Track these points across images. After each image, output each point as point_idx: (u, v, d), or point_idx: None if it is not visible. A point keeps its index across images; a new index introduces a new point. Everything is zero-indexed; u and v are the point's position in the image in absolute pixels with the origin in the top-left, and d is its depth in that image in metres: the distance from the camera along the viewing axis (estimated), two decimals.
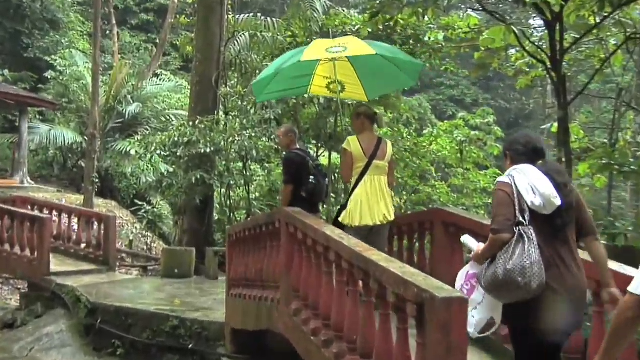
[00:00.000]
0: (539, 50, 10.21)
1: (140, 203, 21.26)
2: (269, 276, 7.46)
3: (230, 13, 17.78)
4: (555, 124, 9.96)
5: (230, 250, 9.42)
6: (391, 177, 7.85)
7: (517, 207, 4.25)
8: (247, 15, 18.64)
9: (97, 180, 20.37)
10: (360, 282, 4.99)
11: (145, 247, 20.45)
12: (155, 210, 21.64)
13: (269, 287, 7.45)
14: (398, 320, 4.40)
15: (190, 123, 14.91)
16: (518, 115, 48.35)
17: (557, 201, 4.26)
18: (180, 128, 15.35)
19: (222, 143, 14.50)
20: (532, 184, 4.29)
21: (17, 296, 14.98)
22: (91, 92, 21.39)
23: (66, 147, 25.54)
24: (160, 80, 29.96)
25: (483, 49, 10.92)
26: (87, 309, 10.62)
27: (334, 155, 15.70)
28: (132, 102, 26.23)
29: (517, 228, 4.21)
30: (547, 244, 4.24)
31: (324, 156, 16.46)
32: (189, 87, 20.27)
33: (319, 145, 16.47)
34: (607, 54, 10.88)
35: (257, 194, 17.86)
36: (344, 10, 16.79)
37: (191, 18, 20.56)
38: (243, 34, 17.65)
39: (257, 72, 16.01)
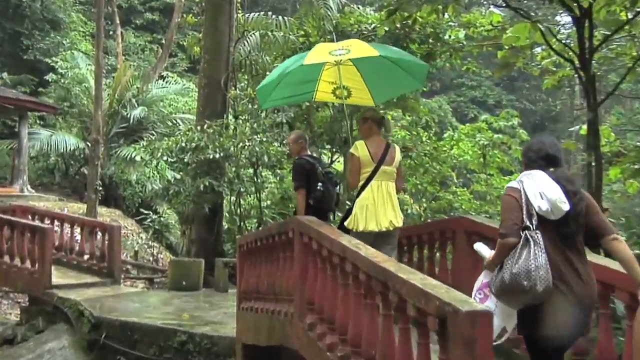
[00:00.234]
0: (567, 48, 10.15)
1: (145, 212, 21.34)
2: (282, 288, 7.46)
3: (240, 12, 17.86)
4: (584, 127, 9.91)
5: (240, 261, 9.42)
6: (400, 182, 7.97)
7: (524, 212, 4.52)
8: (257, 13, 18.68)
9: (100, 188, 20.45)
10: (379, 295, 4.99)
11: (151, 258, 20.48)
12: (162, 219, 21.73)
13: (282, 300, 7.45)
14: (419, 334, 4.39)
15: (198, 127, 14.98)
16: (544, 118, 48.18)
17: (565, 207, 4.47)
18: (187, 133, 15.43)
19: (232, 148, 14.54)
20: (541, 190, 4.52)
21: (17, 310, 15.03)
22: (94, 96, 21.49)
23: (68, 153, 25.67)
24: (166, 82, 30.09)
25: (507, 47, 10.89)
26: (90, 324, 10.65)
27: None
28: (136, 105, 26.34)
29: (524, 232, 4.46)
30: (555, 249, 4.47)
31: (338, 161, 16.48)
32: (197, 90, 20.36)
33: (334, 150, 16.48)
34: None
35: (269, 202, 17.89)
36: (359, 8, 16.80)
37: (199, 17, 20.66)
38: (253, 33, 17.72)
39: (268, 73, 16.06)
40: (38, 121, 28.46)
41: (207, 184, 14.35)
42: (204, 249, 15.11)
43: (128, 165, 24.54)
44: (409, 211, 17.02)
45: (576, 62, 9.33)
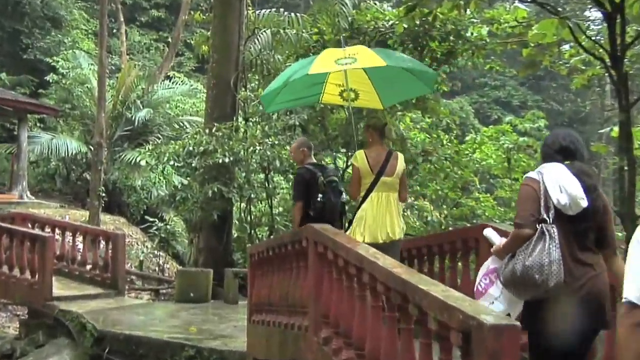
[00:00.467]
0: (597, 45, 10.12)
1: (151, 219, 21.37)
2: (295, 300, 7.45)
3: (250, 8, 17.89)
4: (616, 128, 9.86)
5: (251, 272, 9.43)
6: (403, 192, 8.19)
7: (542, 204, 4.63)
8: (269, 10, 18.73)
9: (103, 195, 20.55)
10: (398, 307, 4.98)
11: (157, 269, 20.55)
12: (168, 227, 21.77)
13: (295, 313, 7.44)
14: (441, 350, 4.37)
15: (207, 130, 15.02)
16: (572, 119, 47.99)
17: (584, 203, 4.58)
18: (195, 136, 15.46)
19: (242, 152, 14.56)
20: (561, 183, 4.62)
21: (16, 324, 15.07)
22: (97, 97, 21.61)
23: (69, 157, 25.79)
24: (172, 83, 30.20)
25: (532, 44, 10.85)
26: (93, 338, 10.67)
27: None
28: (142, 107, 26.44)
29: (540, 225, 4.58)
30: (568, 245, 4.58)
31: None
32: (205, 91, 20.42)
33: (349, 154, 16.48)
34: None
35: (281, 209, 17.88)
36: (375, 4, 16.79)
37: (207, 14, 20.69)
38: (264, 31, 17.75)
39: (280, 73, 16.10)
40: (38, 124, 28.63)
41: (215, 189, 14.37)
42: (213, 259, 15.14)
43: (133, 170, 24.64)
44: (429, 218, 16.98)
45: (607, 60, 9.28)
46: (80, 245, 15.01)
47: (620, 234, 7.32)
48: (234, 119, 15.70)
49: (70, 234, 14.92)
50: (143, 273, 19.52)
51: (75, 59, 28.13)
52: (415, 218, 17.98)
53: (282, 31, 17.46)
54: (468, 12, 11.89)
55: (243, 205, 16.33)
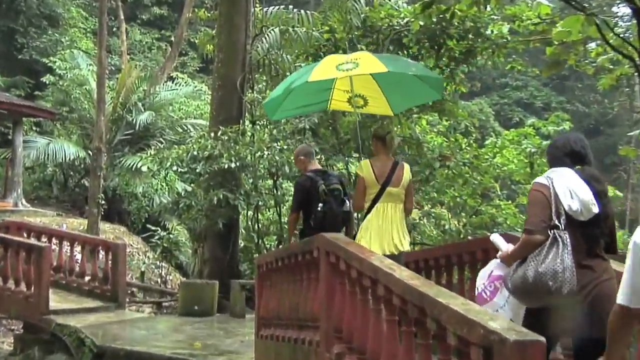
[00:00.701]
0: (625, 43, 10.10)
1: (153, 228, 21.42)
2: (306, 314, 7.46)
3: (258, 5, 17.94)
4: None
5: (259, 284, 9.43)
6: (409, 203, 8.35)
7: (553, 210, 4.78)
8: (277, 8, 18.73)
9: (103, 202, 20.60)
10: (415, 322, 4.97)
11: (159, 280, 20.58)
12: (171, 236, 21.79)
13: (306, 327, 7.44)
14: None
15: (212, 134, 15.04)
16: (599, 121, 47.91)
17: (595, 209, 4.77)
18: (199, 140, 15.49)
19: (249, 157, 14.58)
20: (571, 189, 4.80)
21: (11, 339, 15.07)
22: (96, 99, 21.69)
23: (67, 163, 25.89)
24: (175, 84, 30.31)
25: (557, 42, 10.85)
26: (92, 354, 10.67)
27: None
28: (143, 110, 26.53)
29: (552, 231, 4.73)
30: (579, 251, 4.75)
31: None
32: (210, 93, 20.45)
33: (362, 158, 16.48)
34: None
35: None
36: (390, 1, 16.81)
37: (212, 12, 20.79)
38: (272, 29, 17.75)
39: (289, 74, 16.10)
40: (34, 128, 28.74)
41: (221, 197, 14.38)
42: (218, 270, 15.15)
43: (134, 176, 24.69)
44: (447, 227, 16.96)
45: (636, 58, 9.27)
46: (79, 256, 15.02)
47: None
48: (241, 122, 15.73)
49: (68, 243, 14.94)
50: (145, 285, 19.56)
51: (73, 59, 28.24)
52: (433, 227, 17.94)
53: (291, 29, 17.45)
54: (488, 8, 11.88)
55: (250, 213, 16.34)
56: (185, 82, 30.88)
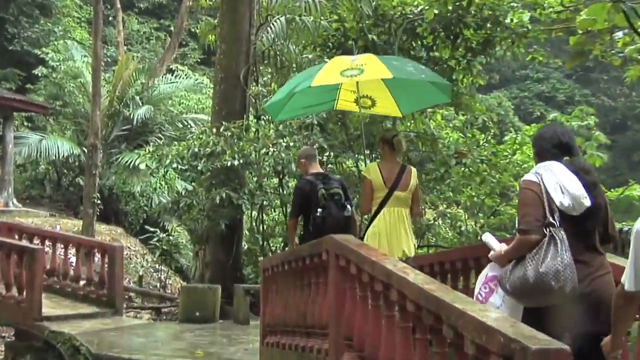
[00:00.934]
0: None
1: (152, 229, 21.45)
2: (314, 321, 7.46)
3: None
4: None
5: (264, 288, 9.45)
6: (416, 207, 8.63)
7: (546, 207, 4.92)
8: None
9: (98, 202, 20.62)
10: (430, 329, 4.97)
11: (158, 285, 20.62)
12: (171, 238, 21.81)
13: (314, 335, 7.45)
14: None
15: (214, 130, 15.05)
16: (626, 116, 47.79)
17: (587, 202, 4.92)
18: (201, 136, 15.50)
19: (253, 154, 14.59)
20: (561, 183, 4.96)
21: (2, 347, 15.14)
22: (91, 93, 21.67)
23: (60, 160, 25.94)
24: (175, 77, 30.31)
25: (581, 31, 10.82)
26: None
27: None
28: (141, 104, 26.56)
29: (548, 229, 4.87)
30: (574, 246, 4.88)
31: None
32: (211, 86, 20.47)
33: (373, 155, 16.47)
34: None
35: None
36: None
37: (213, 0, 20.78)
38: (278, 18, 17.74)
39: (295, 66, 16.11)
40: (26, 123, 28.79)
41: (224, 196, 14.38)
42: (221, 274, 15.16)
43: (131, 174, 24.72)
44: (463, 228, 16.95)
45: None
46: (73, 259, 15.04)
47: None
48: (245, 117, 15.72)
49: (62, 246, 14.96)
50: (143, 289, 19.58)
51: (67, 50, 28.27)
52: (448, 228, 17.93)
53: (298, 18, 17.42)
54: None
55: (254, 213, 16.34)
56: (185, 75, 30.90)
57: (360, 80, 8.71)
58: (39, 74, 28.03)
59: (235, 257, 15.64)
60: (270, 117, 15.73)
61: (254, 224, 16.61)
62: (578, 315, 4.85)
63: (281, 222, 17.12)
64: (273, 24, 17.58)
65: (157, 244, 20.86)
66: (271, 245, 16.97)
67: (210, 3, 21.15)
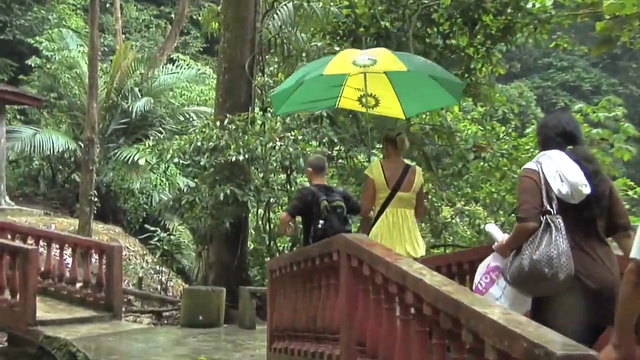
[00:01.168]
0: None
1: (152, 229, 21.48)
2: (324, 325, 7.46)
3: None
4: None
5: (272, 291, 9.45)
6: (421, 208, 8.85)
7: (544, 195, 5.14)
8: None
9: (95, 199, 20.64)
10: (448, 333, 4.96)
11: (159, 287, 20.65)
12: (172, 237, 21.86)
13: (324, 340, 7.45)
14: None
15: (217, 123, 15.05)
16: None
17: (586, 190, 5.09)
18: (203, 130, 15.50)
19: (259, 149, 14.58)
20: (560, 171, 5.15)
21: None
22: (87, 84, 21.70)
23: (55, 156, 25.98)
24: (177, 67, 30.35)
25: (608, 17, 10.80)
26: None
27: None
28: (140, 96, 26.61)
29: (544, 217, 5.08)
30: (576, 235, 5.08)
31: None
32: (215, 76, 20.47)
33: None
34: None
35: None
36: None
37: None
38: (285, 4, 17.76)
39: (304, 55, 16.09)
40: (18, 116, 28.85)
41: (228, 193, 14.39)
42: (225, 275, 15.19)
43: (130, 170, 24.76)
44: (482, 227, 16.91)
45: None
46: (69, 260, 15.07)
47: None
48: (250, 109, 15.74)
49: (57, 246, 14.96)
50: (143, 292, 19.61)
51: (62, 39, 28.32)
52: (466, 226, 17.91)
53: (306, 4, 17.43)
54: None
55: (261, 211, 16.36)
56: (187, 65, 30.94)
57: (373, 70, 8.81)
58: (33, 65, 28.09)
59: (241, 257, 15.66)
60: None
61: (260, 222, 16.63)
62: (582, 306, 5.00)
63: None
64: (280, 10, 17.60)
65: (158, 244, 20.89)
66: (278, 245, 17.00)
67: None
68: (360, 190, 13.41)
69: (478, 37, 14.99)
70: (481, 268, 5.79)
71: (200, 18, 24.96)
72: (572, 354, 3.77)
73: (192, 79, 29.69)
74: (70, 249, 14.93)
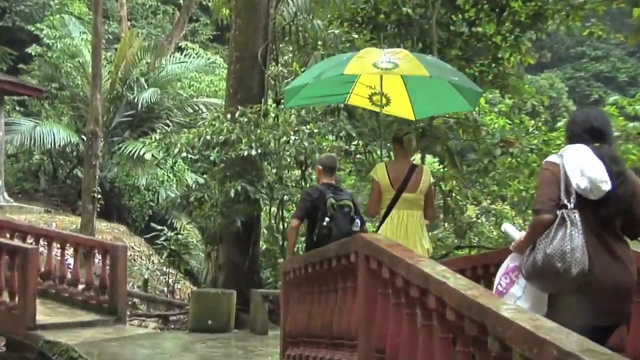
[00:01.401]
0: None
1: (158, 227, 21.52)
2: (341, 330, 7.46)
3: None
4: None
5: (285, 294, 9.45)
6: (430, 210, 9.04)
7: (562, 189, 5.28)
8: None
9: (99, 196, 20.68)
10: (474, 340, 4.95)
11: (165, 289, 20.69)
12: (180, 237, 21.86)
13: (341, 346, 7.45)
14: None
15: (228, 116, 15.06)
16: None
17: (605, 186, 5.18)
18: (213, 123, 15.51)
19: (272, 143, 14.60)
20: (581, 166, 5.25)
21: None
22: (91, 74, 21.75)
23: (57, 150, 26.06)
24: (185, 56, 30.35)
25: None
26: None
27: (428, 159, 15.61)
28: (146, 87, 26.64)
29: (560, 210, 5.21)
30: (592, 231, 5.21)
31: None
32: (226, 66, 20.48)
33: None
34: None
35: None
36: None
37: None
38: None
39: (320, 43, 16.07)
40: (18, 108, 28.92)
41: (239, 189, 14.39)
42: (236, 277, 15.21)
43: (135, 165, 24.80)
44: None
45: None
46: (71, 260, 15.12)
47: None
48: (262, 101, 15.74)
49: (58, 245, 15.00)
50: (148, 295, 19.65)
51: (64, 26, 28.34)
52: (492, 226, 17.87)
53: None
54: None
55: (274, 209, 16.37)
56: (196, 54, 30.94)
57: (394, 74, 9.05)
58: (33, 53, 28.14)
59: (252, 258, 15.67)
60: None
61: (272, 221, 16.65)
62: (597, 303, 5.14)
63: None
64: None
65: (165, 244, 20.91)
66: None
67: None
68: None
69: (506, 24, 14.96)
70: (501, 269, 5.87)
71: (210, 4, 24.99)
72: None
73: (201, 68, 29.70)
74: (72, 249, 14.98)
